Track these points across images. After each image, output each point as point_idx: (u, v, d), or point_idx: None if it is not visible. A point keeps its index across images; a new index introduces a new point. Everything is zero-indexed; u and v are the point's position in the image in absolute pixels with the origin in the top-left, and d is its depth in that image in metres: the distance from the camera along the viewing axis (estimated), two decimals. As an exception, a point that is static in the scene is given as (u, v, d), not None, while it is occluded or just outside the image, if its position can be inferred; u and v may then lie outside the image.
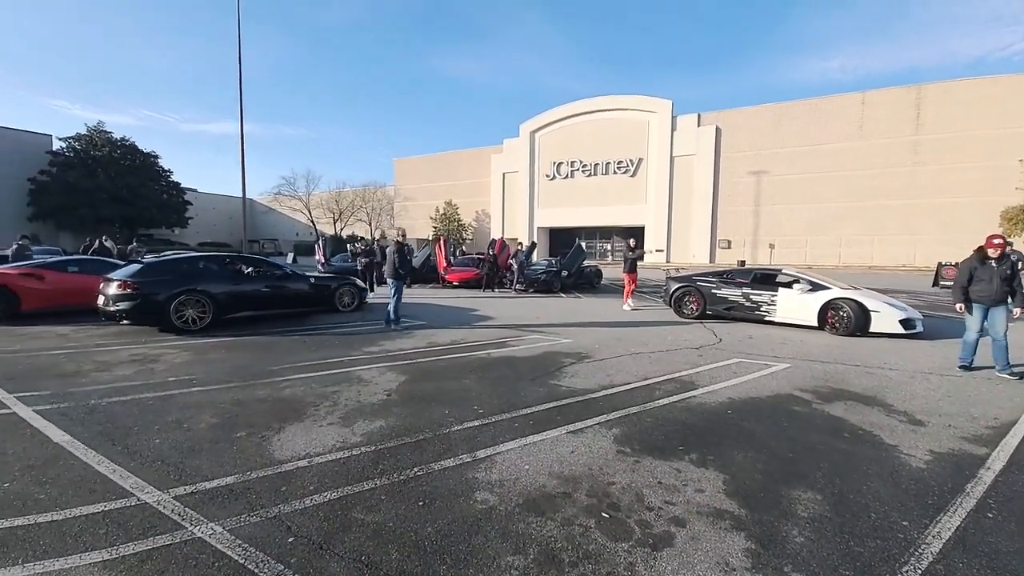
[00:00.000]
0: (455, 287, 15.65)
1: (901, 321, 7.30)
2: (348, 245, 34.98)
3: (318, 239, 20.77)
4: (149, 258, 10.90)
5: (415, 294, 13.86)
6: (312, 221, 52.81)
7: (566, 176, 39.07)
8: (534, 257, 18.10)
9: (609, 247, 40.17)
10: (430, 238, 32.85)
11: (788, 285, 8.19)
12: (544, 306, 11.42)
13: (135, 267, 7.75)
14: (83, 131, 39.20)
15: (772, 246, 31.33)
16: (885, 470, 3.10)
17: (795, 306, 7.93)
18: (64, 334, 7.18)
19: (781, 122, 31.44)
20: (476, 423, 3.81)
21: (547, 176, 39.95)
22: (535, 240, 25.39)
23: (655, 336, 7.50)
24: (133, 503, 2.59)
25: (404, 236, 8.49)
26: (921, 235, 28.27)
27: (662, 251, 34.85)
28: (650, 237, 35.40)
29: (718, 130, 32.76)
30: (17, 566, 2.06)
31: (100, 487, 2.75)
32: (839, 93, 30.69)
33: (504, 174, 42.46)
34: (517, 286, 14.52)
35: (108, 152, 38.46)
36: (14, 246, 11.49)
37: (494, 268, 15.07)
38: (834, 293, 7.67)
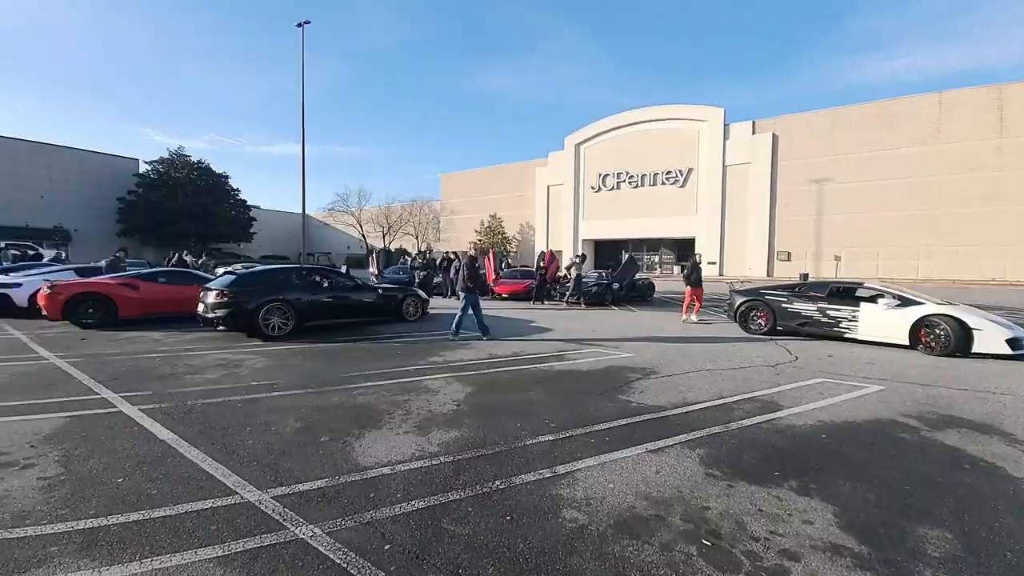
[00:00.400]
0: (504, 299, 15.71)
1: (1008, 340, 6.54)
2: (404, 257, 36.06)
3: (372, 252, 21.60)
4: (238, 268, 11.72)
5: (450, 305, 14.03)
6: (363, 235, 55.20)
7: (612, 188, 38.62)
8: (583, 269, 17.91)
9: (657, 259, 39.14)
10: (470, 251, 33.36)
11: (871, 300, 7.56)
12: (599, 319, 11.21)
13: (230, 278, 8.44)
14: (165, 155, 43.31)
15: (838, 258, 29.30)
16: (1016, 505, 2.75)
17: (881, 322, 7.29)
18: (157, 339, 7.81)
19: (844, 126, 29.61)
20: (550, 437, 3.74)
21: (592, 188, 39.67)
22: (584, 253, 25.02)
23: (723, 352, 7.14)
24: (237, 501, 2.71)
25: (476, 251, 8.68)
26: (1010, 245, 25.49)
27: (714, 263, 33.46)
28: (702, 249, 34.09)
29: (775, 137, 31.31)
30: (135, 562, 2.19)
31: (206, 484, 2.90)
32: (910, 95, 28.55)
33: (549, 187, 42.58)
34: (570, 299, 14.37)
35: (186, 174, 42.17)
36: (110, 257, 12.72)
37: (544, 280, 15.02)
38: (928, 309, 7.00)
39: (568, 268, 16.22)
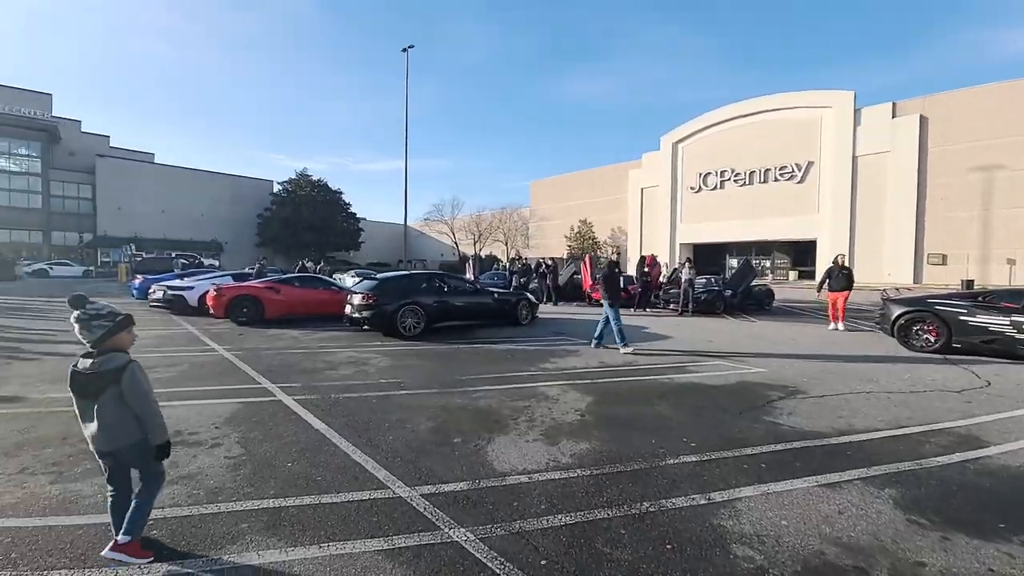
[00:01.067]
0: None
1: None
2: (496, 263, 36.98)
3: (467, 259, 22.42)
4: (351, 276, 12.87)
5: (562, 311, 13.86)
6: (455, 243, 57.86)
7: (714, 187, 35.85)
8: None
9: (769, 264, 35.42)
10: (565, 256, 33.04)
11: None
12: (714, 329, 10.31)
13: (372, 283, 9.29)
14: (292, 176, 49.59)
15: (1012, 262, 23.91)
16: None
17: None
18: (295, 337, 8.77)
19: (1017, 104, 24.18)
20: (693, 458, 3.39)
21: (692, 188, 37.20)
22: (690, 257, 23.29)
23: (884, 372, 6.06)
24: (390, 496, 2.81)
25: (618, 256, 8.30)
26: None
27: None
28: (824, 252, 30.19)
29: (923, 119, 26.58)
30: (315, 545, 2.32)
31: (361, 476, 3.06)
32: None
33: (643, 189, 40.85)
34: (677, 306, 13.49)
35: (308, 191, 47.81)
36: (256, 265, 14.72)
37: (647, 286, 14.29)
38: None
39: (672, 274, 15.28)
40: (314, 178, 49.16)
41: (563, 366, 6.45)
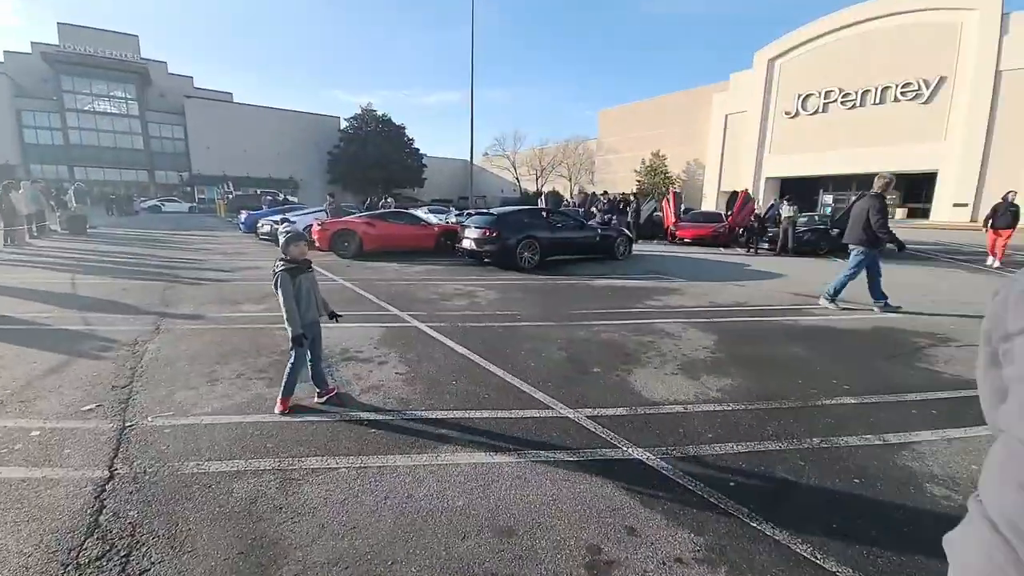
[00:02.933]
0: (687, 244, 14.60)
1: None
2: (568, 200, 36.24)
3: (542, 195, 22.01)
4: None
5: (645, 248, 13.46)
6: (517, 178, 56.79)
7: (815, 111, 31.62)
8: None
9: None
10: (632, 192, 31.25)
11: None
12: (827, 269, 9.59)
13: (490, 218, 9.50)
14: (357, 111, 49.94)
15: None
16: None
17: None
18: (397, 269, 9.28)
19: None
20: (851, 400, 3.31)
21: (787, 113, 33.07)
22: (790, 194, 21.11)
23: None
24: (557, 415, 3.03)
25: (887, 185, 5.93)
26: None
27: (965, 206, 25.71)
28: (946, 187, 26.44)
29: (1103, 19, 21.20)
30: (514, 453, 2.59)
31: (522, 397, 3.31)
32: None
33: (727, 116, 36.94)
34: (775, 245, 12.60)
35: (374, 127, 48.20)
36: (328, 202, 14.67)
37: (760, 224, 13.42)
38: None
39: (768, 211, 14.14)
40: (378, 113, 49.25)
41: (670, 303, 6.37)
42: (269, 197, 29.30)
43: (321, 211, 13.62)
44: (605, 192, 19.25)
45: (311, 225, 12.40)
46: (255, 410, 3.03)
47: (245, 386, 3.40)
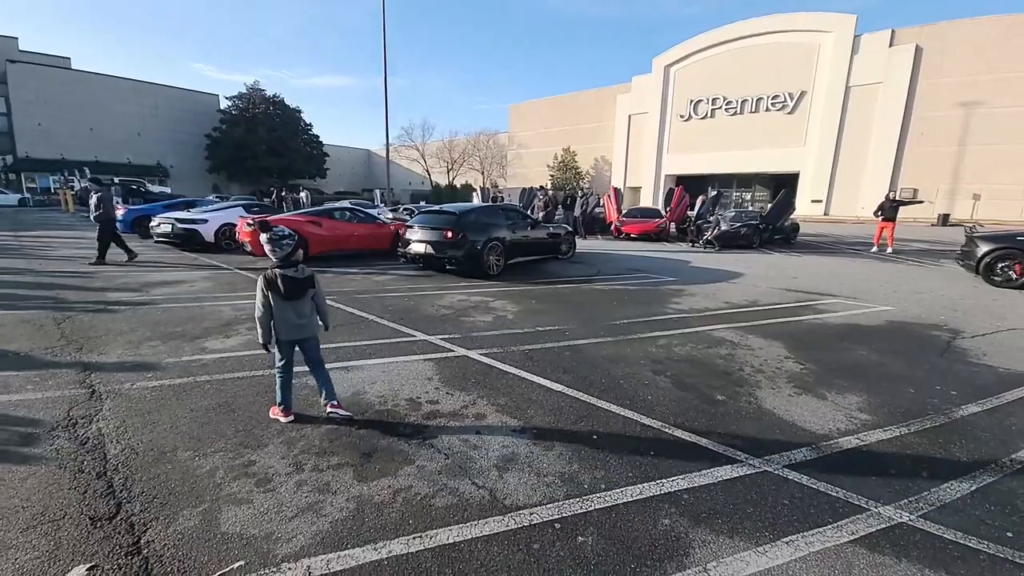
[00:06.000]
0: (632, 239, 15.01)
1: None
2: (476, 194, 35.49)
3: (478, 191, 21.14)
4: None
5: (596, 246, 13.50)
6: (427, 171, 54.69)
7: (705, 116, 35.12)
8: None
9: (749, 197, 36.19)
10: (545, 187, 31.70)
11: None
12: (775, 264, 10.36)
13: (449, 218, 7.98)
14: (242, 90, 43.57)
15: (977, 197, 25.68)
16: None
17: None
18: (367, 277, 7.90)
19: (1011, 41, 24.49)
20: (975, 408, 3.32)
21: (681, 116, 36.27)
22: (720, 191, 22.71)
23: (1007, 308, 6.30)
24: (755, 470, 2.51)
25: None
26: None
27: (820, 202, 30.55)
28: (805, 186, 31.12)
29: (918, 50, 26.57)
30: (768, 551, 2.02)
31: (691, 447, 2.73)
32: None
33: (630, 116, 39.38)
34: (705, 240, 13.43)
35: (264, 109, 42.50)
36: (213, 196, 12.64)
37: (696, 220, 14.18)
38: None
39: (701, 207, 15.11)
40: (268, 93, 43.53)
41: (694, 306, 6.22)
42: (133, 187, 24.39)
43: (235, 207, 11.25)
44: (542, 187, 19.04)
45: (229, 223, 10.28)
46: (368, 536, 2.01)
47: (325, 486, 2.30)
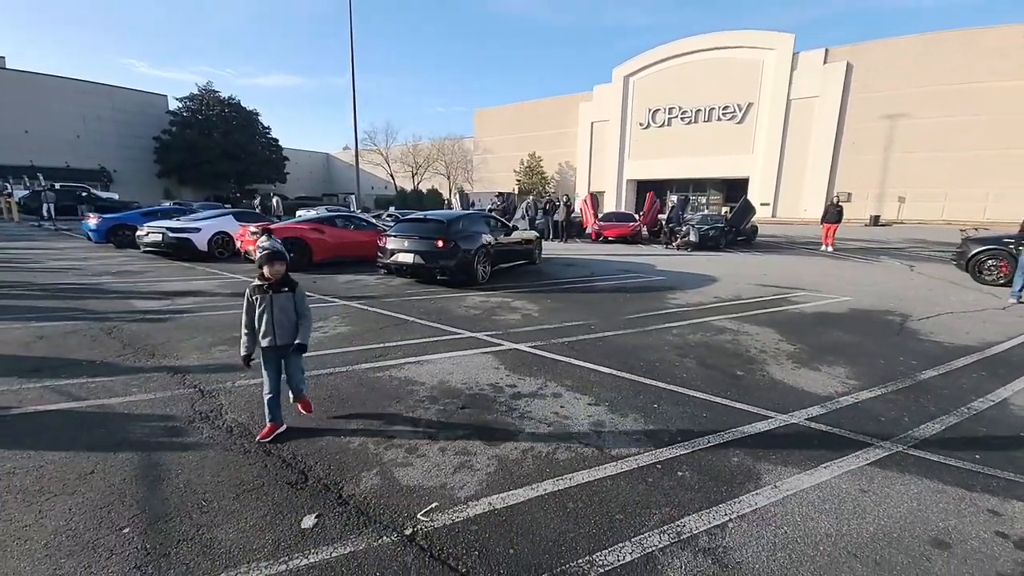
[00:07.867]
0: (610, 242, 15.96)
1: None
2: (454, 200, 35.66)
3: (454, 195, 21.45)
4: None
5: (577, 249, 14.32)
6: (391, 175, 54.12)
7: (662, 124, 37.18)
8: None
9: (704, 200, 38.57)
10: (512, 192, 32.58)
11: None
12: (743, 263, 11.52)
13: (438, 226, 7.89)
14: (194, 91, 41.56)
15: (902, 199, 28.87)
16: None
17: None
18: (380, 282, 8.21)
19: (927, 57, 27.78)
20: (932, 373, 4.23)
21: (640, 124, 38.19)
22: (686, 196, 24.18)
23: (941, 296, 7.55)
24: (786, 423, 3.22)
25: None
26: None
27: (767, 205, 33.06)
28: (755, 190, 33.59)
29: (849, 67, 29.55)
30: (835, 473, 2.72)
31: (734, 411, 3.42)
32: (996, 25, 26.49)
33: (593, 123, 40.99)
34: (675, 243, 14.56)
35: (218, 111, 40.73)
36: (168, 203, 12.27)
37: (669, 223, 15.31)
38: None
39: (671, 212, 16.28)
40: (222, 95, 41.77)
41: (688, 301, 7.05)
42: (83, 194, 23.11)
43: (226, 215, 11.12)
44: (503, 192, 19.74)
45: (222, 232, 10.25)
46: (520, 482, 2.54)
47: (464, 450, 2.78)
